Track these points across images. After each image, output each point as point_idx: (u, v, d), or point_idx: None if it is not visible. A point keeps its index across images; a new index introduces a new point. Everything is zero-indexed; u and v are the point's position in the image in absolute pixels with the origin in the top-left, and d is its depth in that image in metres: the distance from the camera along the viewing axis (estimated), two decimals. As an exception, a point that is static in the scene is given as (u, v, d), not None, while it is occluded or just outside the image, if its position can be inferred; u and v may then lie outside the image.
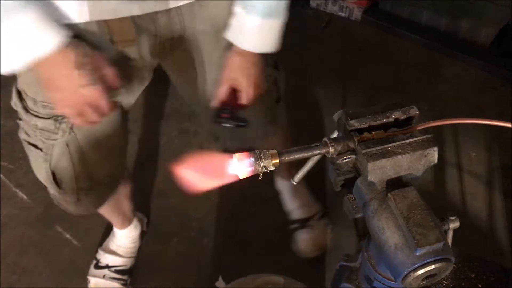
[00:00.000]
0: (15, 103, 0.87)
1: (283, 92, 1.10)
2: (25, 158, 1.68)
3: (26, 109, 0.85)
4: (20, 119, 0.88)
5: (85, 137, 0.89)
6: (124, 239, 1.40)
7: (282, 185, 1.51)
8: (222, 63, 0.89)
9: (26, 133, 0.89)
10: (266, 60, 0.94)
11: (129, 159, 1.65)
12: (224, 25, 0.85)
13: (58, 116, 0.83)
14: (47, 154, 0.89)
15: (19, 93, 0.85)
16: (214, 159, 0.47)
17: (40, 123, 0.84)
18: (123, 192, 1.28)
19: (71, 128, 0.86)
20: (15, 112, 0.89)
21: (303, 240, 1.42)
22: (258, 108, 0.98)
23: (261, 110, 1.04)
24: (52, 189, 0.97)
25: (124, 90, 0.88)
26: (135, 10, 0.74)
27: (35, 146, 0.89)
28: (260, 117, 1.05)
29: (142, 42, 0.81)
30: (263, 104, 1.02)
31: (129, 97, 0.92)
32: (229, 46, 0.86)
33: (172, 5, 0.77)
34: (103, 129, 0.91)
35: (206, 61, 0.91)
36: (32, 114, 0.84)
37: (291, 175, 1.55)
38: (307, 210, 1.47)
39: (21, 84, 0.84)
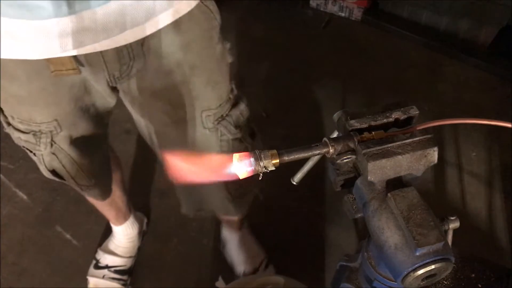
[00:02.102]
0: None
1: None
2: (25, 158, 1.69)
3: (7, 123, 0.85)
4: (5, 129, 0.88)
5: (69, 146, 0.88)
6: (121, 237, 1.40)
7: (229, 235, 1.41)
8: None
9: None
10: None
11: (129, 159, 1.66)
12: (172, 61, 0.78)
13: (36, 131, 0.83)
14: (40, 159, 0.89)
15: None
16: (213, 156, 0.47)
17: (23, 136, 0.85)
18: (114, 179, 1.20)
19: (52, 141, 0.85)
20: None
21: None
22: None
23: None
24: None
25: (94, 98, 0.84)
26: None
27: (28, 149, 0.89)
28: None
29: (85, 72, 0.75)
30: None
31: (106, 101, 0.87)
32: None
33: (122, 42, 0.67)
34: (87, 134, 0.90)
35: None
36: (14, 128, 0.85)
37: (241, 226, 1.42)
38: (253, 262, 1.38)
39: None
